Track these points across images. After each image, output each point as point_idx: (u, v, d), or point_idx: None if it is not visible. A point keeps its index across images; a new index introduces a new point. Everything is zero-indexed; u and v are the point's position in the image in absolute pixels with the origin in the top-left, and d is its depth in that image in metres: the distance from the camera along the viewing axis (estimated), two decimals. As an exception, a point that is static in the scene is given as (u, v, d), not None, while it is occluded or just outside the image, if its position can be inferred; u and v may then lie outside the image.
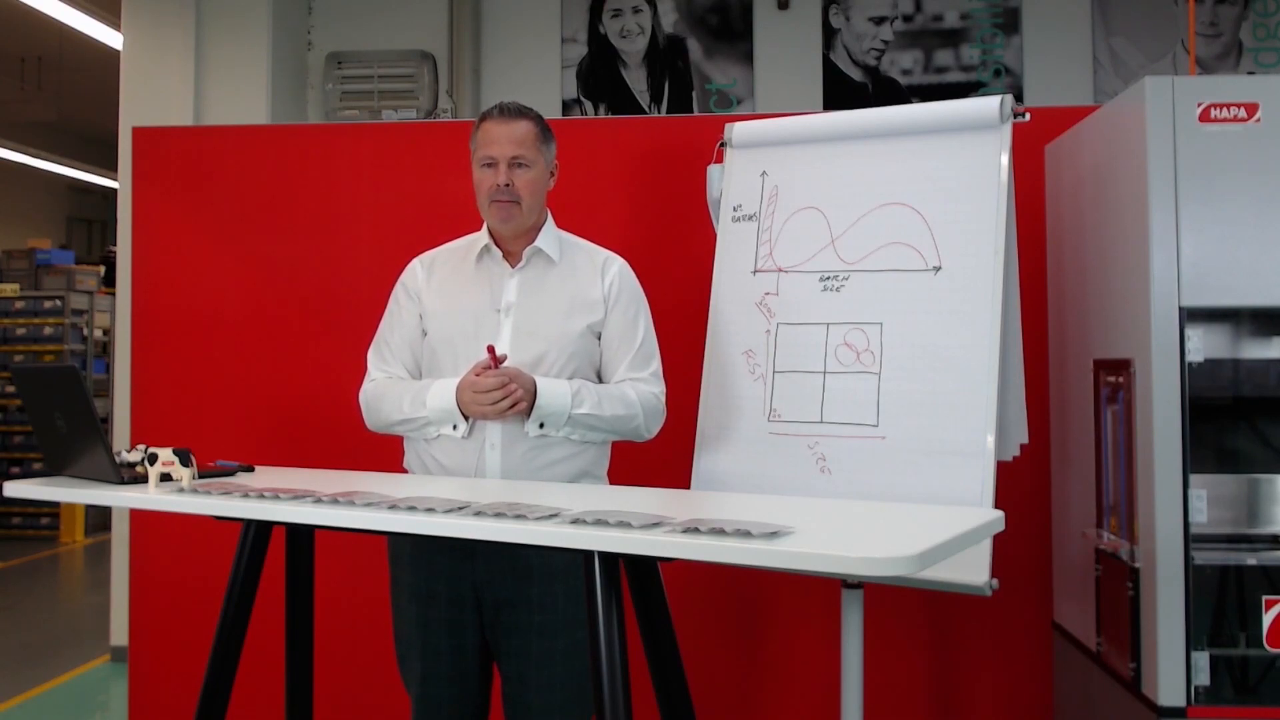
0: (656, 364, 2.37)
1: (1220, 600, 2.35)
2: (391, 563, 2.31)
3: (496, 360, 2.15)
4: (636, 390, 2.29)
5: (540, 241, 2.32)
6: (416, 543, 2.21)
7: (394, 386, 2.31)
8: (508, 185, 2.25)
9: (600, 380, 2.33)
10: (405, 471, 2.37)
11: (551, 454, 2.23)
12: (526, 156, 2.27)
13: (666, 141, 3.21)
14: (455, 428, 2.21)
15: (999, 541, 2.12)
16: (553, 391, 2.19)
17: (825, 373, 2.48)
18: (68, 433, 2.14)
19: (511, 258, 2.33)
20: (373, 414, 2.34)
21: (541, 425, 2.20)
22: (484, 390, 2.13)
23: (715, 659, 3.10)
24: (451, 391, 2.19)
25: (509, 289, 2.30)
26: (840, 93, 5.17)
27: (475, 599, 2.20)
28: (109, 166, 9.89)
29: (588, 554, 1.66)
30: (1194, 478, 2.29)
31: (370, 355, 2.40)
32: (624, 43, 5.35)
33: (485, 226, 2.35)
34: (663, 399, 2.36)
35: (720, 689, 3.10)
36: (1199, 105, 2.32)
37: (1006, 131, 2.40)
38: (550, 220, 2.37)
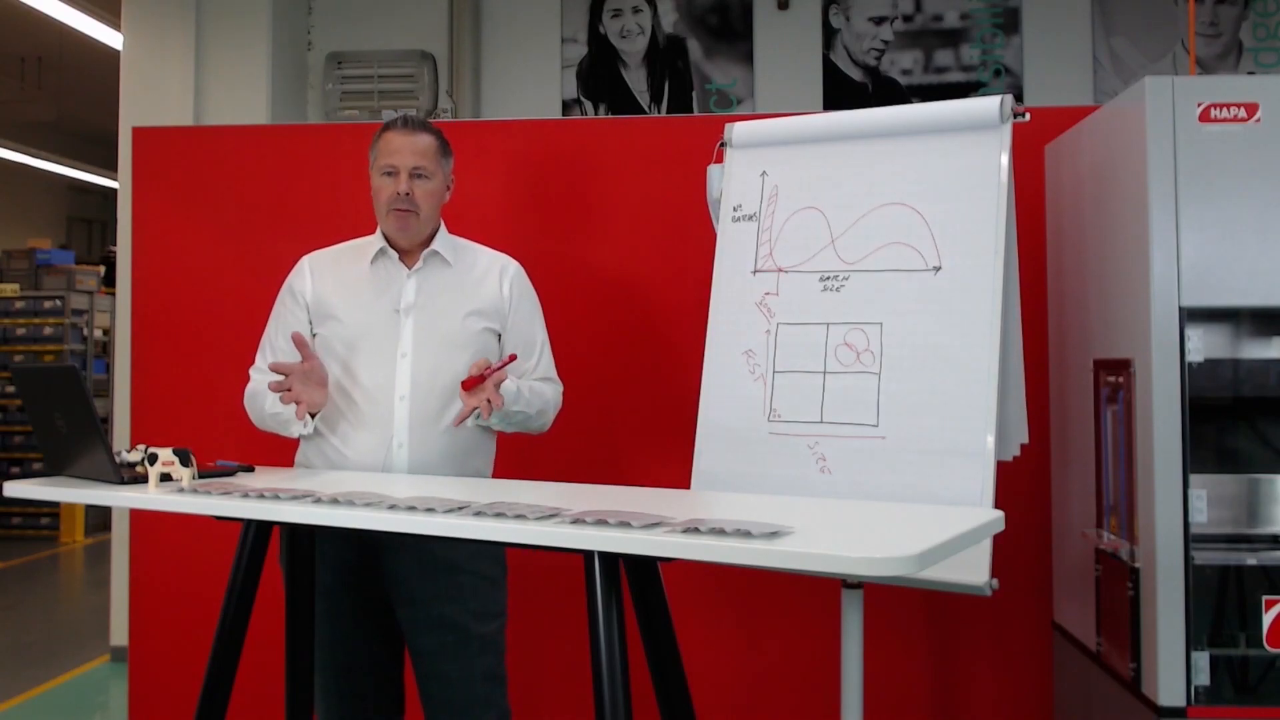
0: (553, 363, 2.49)
1: (1220, 600, 2.35)
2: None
3: (492, 370, 2.22)
4: (549, 388, 2.42)
5: (436, 244, 2.40)
6: (320, 540, 2.27)
7: (261, 383, 2.35)
8: (407, 194, 2.32)
9: None
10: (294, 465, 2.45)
11: (460, 452, 2.32)
12: (427, 168, 2.35)
13: (666, 141, 3.21)
14: (306, 425, 2.28)
15: (999, 541, 2.12)
16: (507, 393, 2.27)
17: (825, 373, 2.48)
18: (68, 433, 2.14)
19: (408, 259, 2.40)
20: (250, 413, 2.42)
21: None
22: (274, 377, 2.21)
23: (715, 659, 3.10)
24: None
25: (407, 290, 2.37)
26: (840, 93, 5.17)
27: (383, 593, 2.28)
28: (109, 166, 9.89)
29: (588, 554, 1.66)
30: (1194, 478, 2.29)
31: (257, 355, 2.46)
32: (624, 43, 5.35)
33: (379, 232, 2.42)
34: (562, 396, 2.48)
35: (720, 689, 3.10)
36: (1199, 105, 2.32)
37: (1006, 131, 2.40)
38: (443, 226, 2.45)
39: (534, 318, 2.47)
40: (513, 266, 2.48)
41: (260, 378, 2.38)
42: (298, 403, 2.22)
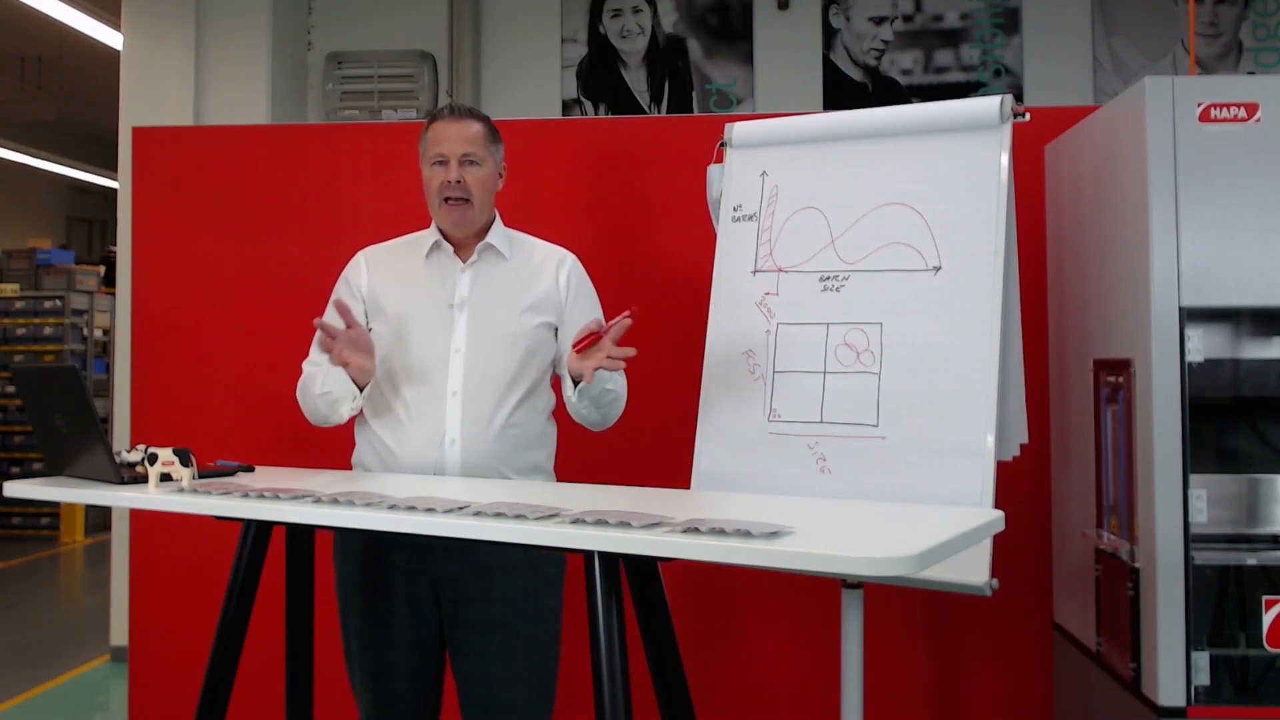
0: None
1: (1220, 600, 2.35)
2: (340, 561, 2.30)
3: (597, 333, 2.14)
4: (622, 379, 2.35)
5: (491, 237, 2.36)
6: (368, 540, 2.23)
7: (315, 373, 2.32)
8: (459, 182, 2.28)
9: (555, 375, 2.38)
10: (351, 468, 2.41)
11: (512, 448, 2.27)
12: (477, 154, 2.31)
13: (666, 141, 3.21)
14: (355, 400, 2.25)
15: (999, 541, 2.12)
16: None
17: (825, 373, 2.48)
18: (68, 433, 2.14)
19: (463, 253, 2.36)
20: (303, 404, 2.37)
21: (581, 393, 2.21)
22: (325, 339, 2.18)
23: (715, 659, 3.10)
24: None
25: (462, 284, 2.33)
26: (840, 93, 5.17)
27: (434, 595, 2.22)
28: (109, 166, 9.88)
29: (588, 554, 1.66)
30: (1194, 478, 2.29)
31: (311, 349, 2.38)
32: (624, 43, 5.35)
33: (434, 225, 2.38)
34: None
35: (720, 689, 3.10)
36: (1199, 105, 2.32)
37: (1006, 131, 2.39)
38: (499, 218, 2.40)
39: (592, 310, 2.38)
40: (569, 259, 2.42)
41: (312, 369, 2.34)
42: (345, 364, 2.19)
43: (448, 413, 2.24)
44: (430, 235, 2.38)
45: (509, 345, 2.29)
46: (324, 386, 2.28)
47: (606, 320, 2.18)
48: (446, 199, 2.29)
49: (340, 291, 2.40)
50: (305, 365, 2.39)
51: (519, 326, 2.30)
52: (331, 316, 2.31)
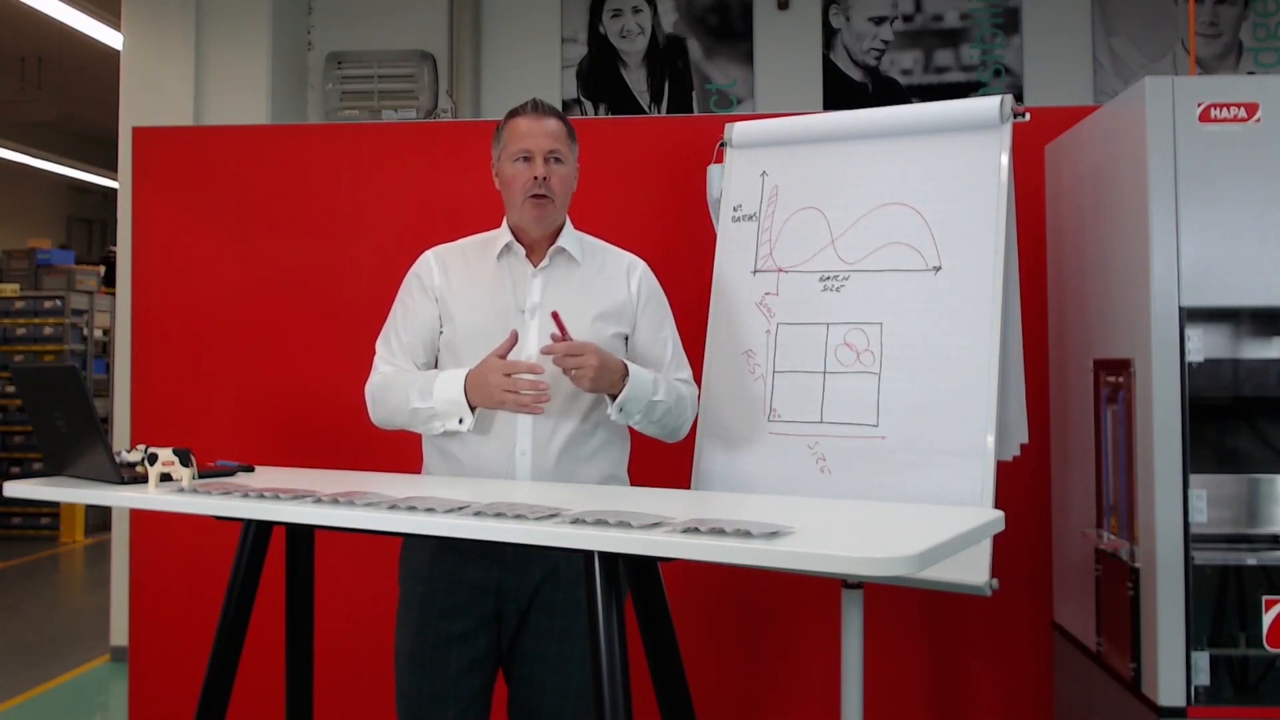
0: (688, 367, 2.34)
1: (1220, 600, 2.35)
2: (406, 576, 2.21)
3: (563, 329, 2.08)
4: (689, 390, 2.28)
5: (563, 241, 2.26)
6: (438, 553, 2.13)
7: (401, 378, 2.22)
8: (544, 179, 2.19)
9: None
10: (420, 470, 2.31)
11: (582, 457, 2.19)
12: (561, 151, 2.23)
13: (666, 141, 3.21)
14: (461, 421, 2.12)
15: (999, 541, 2.12)
16: (639, 373, 2.15)
17: (825, 373, 2.48)
18: (68, 433, 2.14)
19: (534, 256, 2.26)
20: (379, 407, 2.25)
21: (621, 409, 2.14)
22: (512, 374, 2.05)
23: (715, 659, 3.10)
24: (460, 379, 2.11)
25: (533, 289, 2.23)
26: (840, 93, 5.17)
27: (497, 609, 2.13)
28: (109, 166, 9.89)
29: (588, 554, 1.66)
30: (1194, 478, 2.29)
31: (379, 346, 2.30)
32: (624, 43, 5.35)
33: (505, 224, 2.28)
34: (698, 402, 2.34)
35: (720, 689, 3.10)
36: (1199, 105, 2.32)
37: (1006, 131, 2.40)
38: (569, 221, 2.31)
39: (664, 319, 2.32)
40: (640, 265, 2.34)
41: (389, 369, 2.24)
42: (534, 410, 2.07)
43: (519, 423, 2.15)
44: (502, 236, 2.27)
45: None
46: (421, 401, 2.15)
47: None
48: (533, 195, 2.19)
49: (413, 291, 2.28)
50: (382, 365, 2.27)
51: (592, 335, 2.17)
52: (408, 323, 2.24)
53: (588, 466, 2.20)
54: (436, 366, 2.26)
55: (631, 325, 2.28)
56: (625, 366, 2.13)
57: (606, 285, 2.28)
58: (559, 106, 5.27)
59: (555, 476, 2.15)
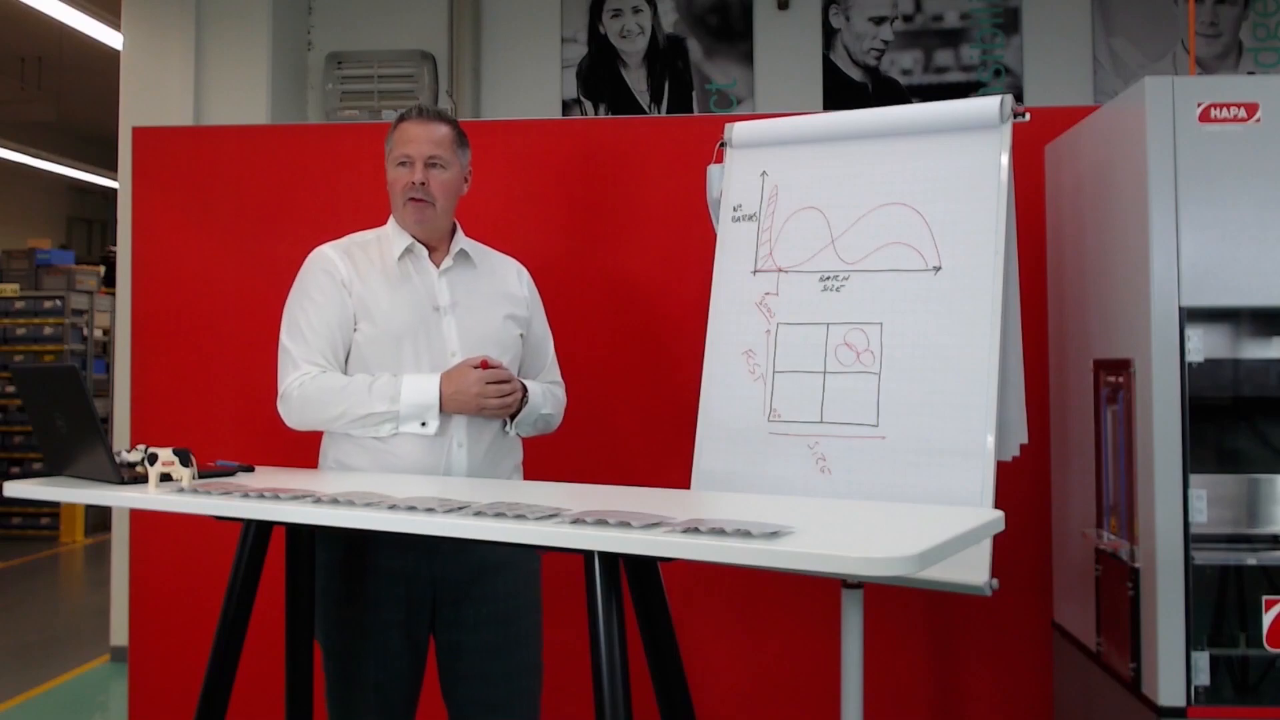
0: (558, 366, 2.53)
1: (1220, 600, 2.35)
2: (325, 564, 2.26)
3: (487, 366, 2.23)
4: (562, 391, 2.47)
5: (462, 243, 2.38)
6: (350, 545, 2.21)
7: (342, 379, 2.24)
8: (423, 184, 2.28)
9: None
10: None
11: (505, 451, 2.34)
12: (443, 158, 2.31)
13: (666, 141, 3.21)
14: (424, 424, 2.20)
15: (999, 541, 2.12)
16: (534, 392, 2.33)
17: (825, 373, 2.48)
18: (68, 433, 2.14)
19: (435, 256, 2.36)
20: (313, 409, 2.23)
21: (516, 424, 2.32)
22: (496, 381, 2.20)
23: (715, 659, 3.10)
24: (435, 385, 2.20)
25: (441, 289, 2.32)
26: (840, 93, 5.17)
27: (432, 597, 2.23)
28: (109, 166, 9.89)
29: (588, 554, 1.66)
30: (1194, 478, 2.29)
31: (291, 345, 2.27)
32: (624, 43, 5.35)
33: (394, 225, 2.36)
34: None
35: (720, 689, 3.10)
36: (1199, 105, 2.32)
37: (1006, 131, 2.39)
38: (459, 226, 2.42)
39: (544, 322, 2.51)
40: (524, 269, 2.50)
41: (314, 369, 2.24)
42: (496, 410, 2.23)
43: (454, 417, 2.23)
44: (400, 237, 2.33)
45: (499, 350, 2.31)
46: (379, 405, 2.19)
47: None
48: (410, 199, 2.29)
49: (323, 287, 2.28)
50: (307, 366, 2.24)
51: (506, 334, 2.36)
52: (321, 317, 2.26)
53: (506, 459, 2.35)
54: (348, 362, 2.30)
55: (527, 326, 2.43)
56: (524, 386, 2.30)
57: (504, 286, 2.42)
58: (559, 106, 5.31)
59: (484, 467, 2.28)
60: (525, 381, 2.33)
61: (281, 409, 2.28)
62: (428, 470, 2.23)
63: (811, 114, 2.76)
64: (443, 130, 2.32)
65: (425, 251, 2.34)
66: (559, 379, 2.51)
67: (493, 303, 2.36)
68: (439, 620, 2.23)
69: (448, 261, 2.34)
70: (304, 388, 2.24)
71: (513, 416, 2.29)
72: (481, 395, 2.19)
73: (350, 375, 2.27)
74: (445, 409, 2.20)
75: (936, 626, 3.06)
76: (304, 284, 2.34)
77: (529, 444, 2.63)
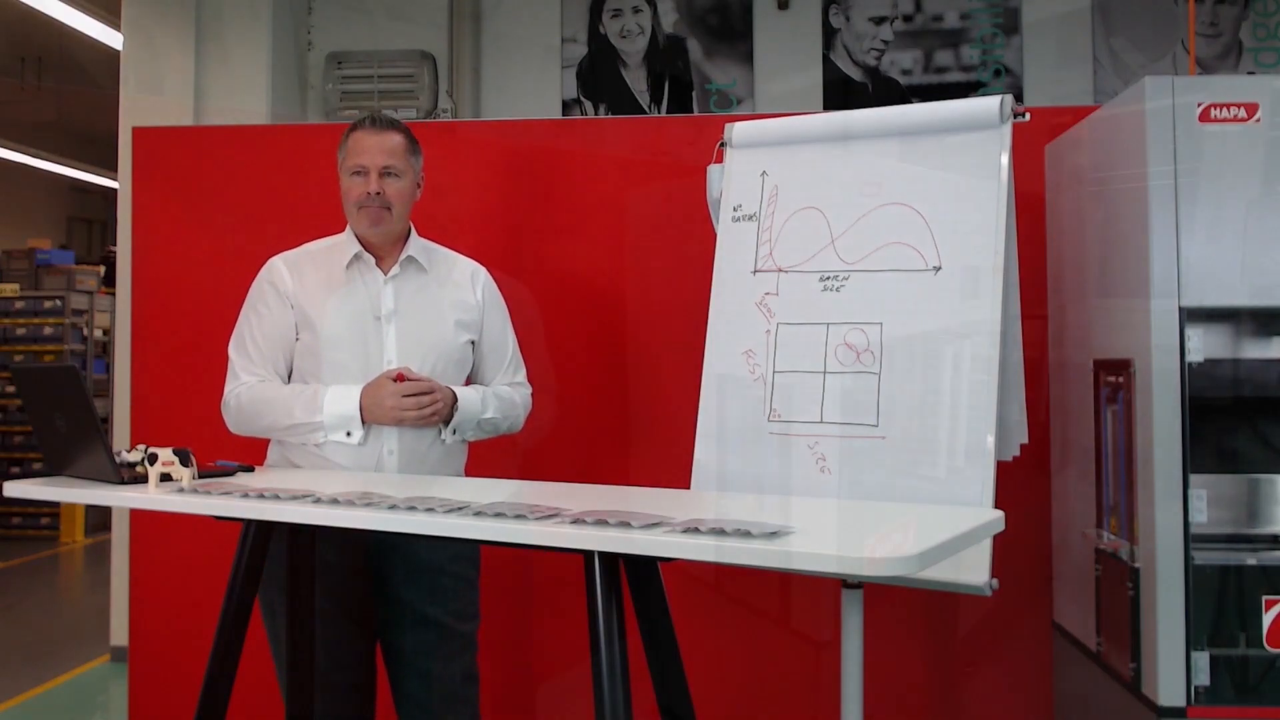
0: (523, 367, 2.52)
1: (1220, 600, 2.35)
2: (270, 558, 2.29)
3: (403, 379, 2.24)
4: (518, 394, 2.46)
5: (411, 250, 2.38)
6: (325, 546, 2.25)
7: (274, 390, 2.32)
8: (378, 194, 2.30)
9: (469, 383, 2.44)
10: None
11: (442, 458, 2.34)
12: (397, 166, 2.33)
13: (666, 141, 3.21)
14: (349, 434, 2.25)
15: (999, 541, 2.12)
16: (468, 399, 2.32)
17: (825, 373, 2.48)
18: (68, 433, 2.14)
19: (383, 264, 2.37)
20: (248, 418, 2.34)
21: (454, 431, 2.31)
22: (414, 394, 2.21)
23: (715, 659, 3.10)
24: (354, 397, 2.24)
25: (386, 296, 2.34)
26: (840, 93, 5.16)
27: (366, 593, 2.28)
28: (109, 166, 9.88)
29: (588, 554, 1.66)
30: (1194, 478, 2.29)
31: (235, 355, 2.39)
32: (624, 43, 5.35)
33: (349, 233, 2.38)
34: (531, 398, 2.51)
35: (721, 689, 3.09)
36: (1199, 105, 2.32)
37: (1006, 131, 2.39)
38: (413, 230, 2.43)
39: (506, 324, 2.50)
40: (483, 272, 2.49)
41: (252, 379, 2.34)
42: (438, 410, 2.24)
43: (386, 428, 2.27)
44: (349, 245, 2.37)
45: (438, 357, 2.33)
46: (306, 416, 2.26)
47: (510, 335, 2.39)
48: (364, 207, 2.31)
49: (267, 299, 2.37)
50: (246, 376, 2.35)
51: (452, 340, 2.36)
52: (262, 330, 2.34)
53: (444, 466, 2.35)
54: (292, 372, 2.36)
55: (479, 331, 2.43)
56: (454, 394, 2.30)
57: (456, 292, 2.41)
58: (559, 106, 5.31)
59: (418, 473, 2.30)
60: (457, 389, 2.32)
61: (224, 417, 2.39)
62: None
63: (811, 114, 2.76)
64: (396, 139, 2.34)
65: (373, 260, 2.36)
66: (522, 380, 2.51)
67: (439, 309, 2.37)
68: (382, 618, 2.29)
69: (395, 269, 2.36)
70: (240, 398, 2.35)
71: (446, 423, 2.30)
72: (397, 408, 2.21)
73: (292, 384, 2.34)
74: (366, 420, 2.24)
75: (936, 626, 3.06)
76: (251, 296, 2.42)
77: (530, 444, 2.64)
